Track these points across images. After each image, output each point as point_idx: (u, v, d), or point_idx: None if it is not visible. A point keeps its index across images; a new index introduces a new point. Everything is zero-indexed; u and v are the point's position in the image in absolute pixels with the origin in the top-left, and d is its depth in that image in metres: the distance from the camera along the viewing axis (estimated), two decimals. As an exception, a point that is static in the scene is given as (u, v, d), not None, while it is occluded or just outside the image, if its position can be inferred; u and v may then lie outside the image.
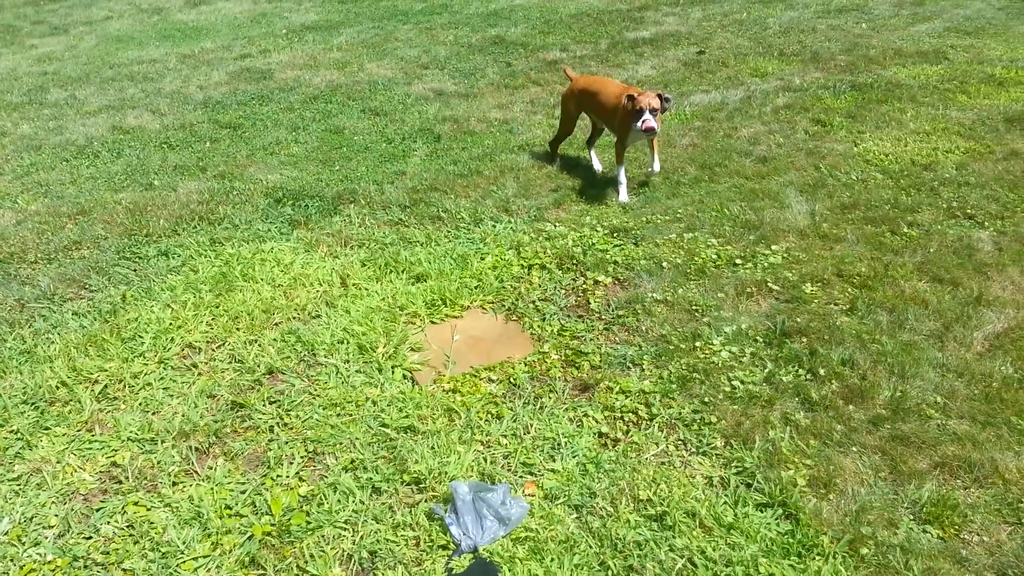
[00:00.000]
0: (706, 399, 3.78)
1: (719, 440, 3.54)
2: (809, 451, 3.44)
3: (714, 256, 4.98)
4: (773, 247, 5.06)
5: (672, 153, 6.70)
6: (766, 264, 4.88)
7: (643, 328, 4.36)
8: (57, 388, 4.02)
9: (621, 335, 4.36)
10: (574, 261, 5.06)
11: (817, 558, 2.94)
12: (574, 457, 3.50)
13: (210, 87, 9.72)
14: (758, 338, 4.21)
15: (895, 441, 3.48)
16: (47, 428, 3.76)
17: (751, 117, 7.49)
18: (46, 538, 3.16)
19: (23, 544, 3.13)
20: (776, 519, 3.14)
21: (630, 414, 3.75)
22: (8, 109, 9.25)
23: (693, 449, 3.52)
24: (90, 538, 3.15)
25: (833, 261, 4.90)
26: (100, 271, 5.19)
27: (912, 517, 3.11)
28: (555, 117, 7.92)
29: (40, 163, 7.35)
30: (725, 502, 3.22)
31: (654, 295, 4.61)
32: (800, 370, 3.96)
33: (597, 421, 3.72)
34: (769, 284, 4.67)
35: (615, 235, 5.34)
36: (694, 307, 4.47)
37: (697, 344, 4.16)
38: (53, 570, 3.02)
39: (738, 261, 4.93)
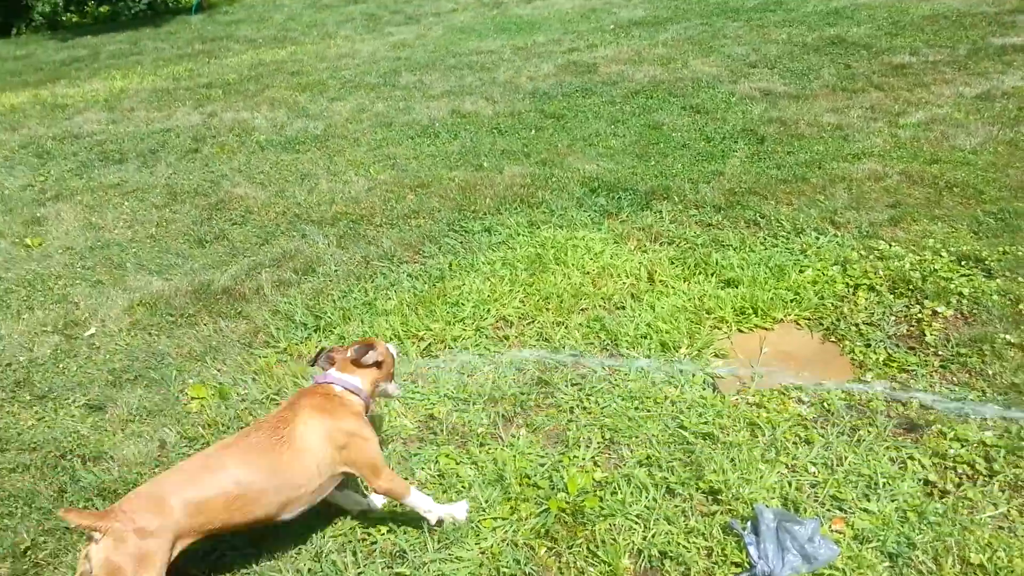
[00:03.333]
0: (1068, 468, 3.19)
1: (1080, 518, 2.97)
2: None
3: (1093, 302, 4.19)
4: None
5: (1044, 176, 5.77)
6: None
7: (989, 372, 3.80)
8: (390, 339, 4.47)
9: (961, 376, 3.84)
10: (910, 286, 4.54)
11: None
12: (893, 501, 3.14)
13: (539, 78, 10.20)
14: None
15: None
16: (379, 373, 4.20)
17: None
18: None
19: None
20: None
21: (965, 466, 3.28)
22: (367, 89, 10.46)
23: (1045, 522, 2.99)
24: (407, 478, 3.46)
25: None
26: (432, 240, 5.68)
27: None
28: (898, 126, 7.21)
29: (390, 138, 8.23)
30: (1084, 593, 2.69)
31: (1007, 336, 3.99)
32: None
33: (924, 467, 3.31)
34: None
35: (963, 263, 4.71)
36: (1061, 358, 3.80)
37: (1061, 401, 3.53)
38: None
39: (1126, 311, 4.10)
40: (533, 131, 8.10)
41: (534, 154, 7.37)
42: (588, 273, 5.05)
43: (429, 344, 4.41)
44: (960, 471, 3.28)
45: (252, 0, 18.66)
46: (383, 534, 3.19)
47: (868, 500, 3.16)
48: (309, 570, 3.07)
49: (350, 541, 3.17)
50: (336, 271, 5.33)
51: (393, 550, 3.12)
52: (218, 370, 4.38)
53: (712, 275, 4.92)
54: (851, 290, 4.61)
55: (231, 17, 16.78)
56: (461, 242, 5.65)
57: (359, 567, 3.06)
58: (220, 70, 12.00)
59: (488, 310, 4.69)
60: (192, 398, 4.17)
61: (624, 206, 6.02)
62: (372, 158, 7.64)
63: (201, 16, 17.51)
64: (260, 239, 5.95)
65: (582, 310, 4.67)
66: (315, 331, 4.65)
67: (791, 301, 4.58)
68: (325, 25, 14.91)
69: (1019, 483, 3.17)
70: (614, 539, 3.07)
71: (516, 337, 4.45)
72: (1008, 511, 3.06)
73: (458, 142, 7.92)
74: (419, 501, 3.06)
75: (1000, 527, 3.00)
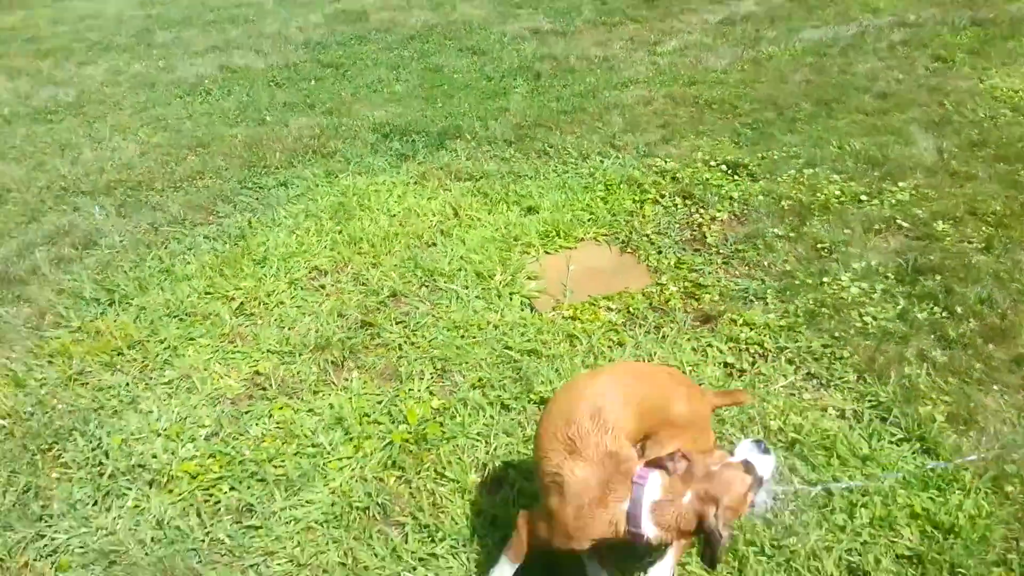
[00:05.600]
0: (836, 334, 3.71)
1: (851, 374, 3.49)
2: (947, 388, 3.36)
3: (837, 192, 4.83)
4: (900, 184, 4.89)
5: (785, 89, 6.50)
6: (893, 201, 4.73)
7: (765, 263, 4.30)
8: (197, 303, 4.22)
9: (742, 269, 4.31)
10: (688, 196, 4.99)
11: (958, 492, 2.89)
12: (700, 384, 3.49)
13: (309, 28, 9.83)
14: (889, 275, 4.10)
15: (1040, 382, 3.37)
16: (192, 339, 3.97)
17: (866, 53, 7.18)
18: (201, 436, 3.36)
19: (181, 440, 3.34)
20: (914, 453, 3.09)
21: (755, 346, 3.71)
22: (119, 50, 9.54)
23: (824, 382, 3.48)
24: (240, 436, 3.34)
25: (965, 199, 4.70)
26: (225, 199, 5.38)
27: (1061, 455, 3.02)
28: (657, 54, 7.76)
29: (155, 99, 7.60)
30: (859, 434, 3.18)
31: (775, 231, 4.52)
32: (935, 308, 3.84)
33: (722, 352, 3.71)
34: (898, 221, 4.52)
35: (730, 170, 5.24)
36: (819, 243, 4.37)
37: (824, 280, 4.07)
38: (209, 461, 3.22)
39: (863, 197, 4.78)
40: (313, 82, 7.82)
41: (318, 104, 7.14)
42: (395, 216, 5.05)
43: (242, 303, 4.22)
44: (753, 351, 3.70)
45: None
46: (225, 492, 3.08)
47: (679, 386, 3.49)
48: (152, 539, 2.91)
49: (191, 504, 3.04)
50: (122, 242, 4.90)
51: (239, 506, 3.03)
52: (7, 358, 3.92)
53: (514, 204, 5.09)
54: (639, 205, 4.98)
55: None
56: (257, 198, 5.40)
57: (206, 527, 2.95)
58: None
59: (299, 262, 4.56)
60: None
61: (419, 148, 6.04)
62: (139, 121, 7.02)
63: None
64: (26, 217, 5.31)
65: (394, 251, 4.67)
66: (110, 305, 4.28)
67: (588, 220, 4.87)
68: (58, -17, 13.26)
69: (802, 354, 3.64)
70: (459, 458, 3.18)
71: (333, 285, 4.37)
72: (795, 380, 3.51)
73: (233, 98, 7.48)
74: None
75: (791, 394, 3.44)
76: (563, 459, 2.31)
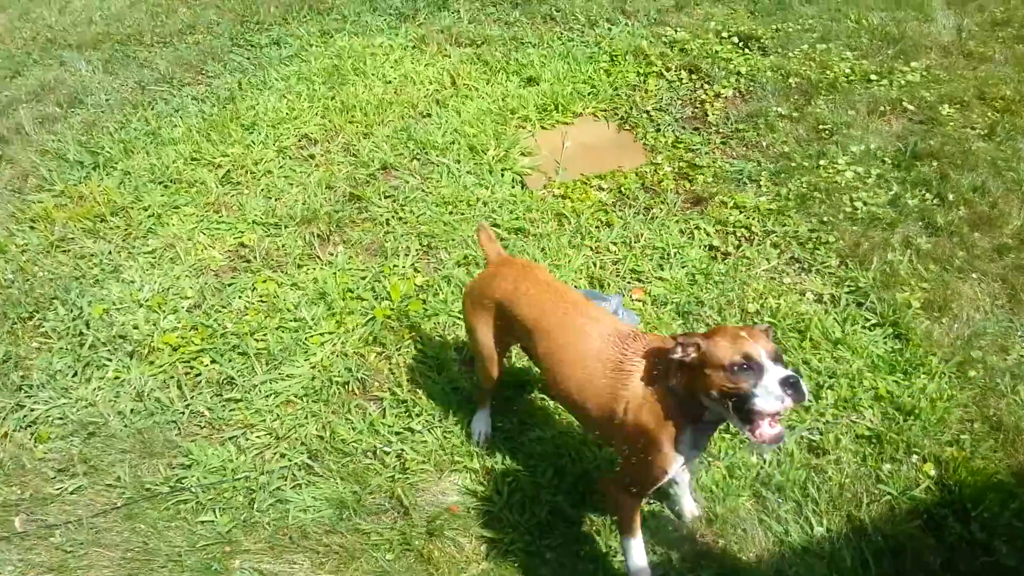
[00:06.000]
0: (825, 218, 3.66)
1: (834, 259, 3.48)
2: (927, 275, 3.36)
3: (847, 71, 4.62)
4: (912, 64, 4.66)
5: (809, -46, 6.08)
6: (903, 82, 4.53)
7: (764, 144, 4.18)
8: (183, 169, 4.19)
9: (739, 150, 4.20)
10: (695, 70, 4.79)
11: (923, 376, 2.95)
12: (683, 267, 3.50)
13: None
14: (887, 159, 3.99)
15: (1018, 271, 3.35)
16: (177, 207, 3.97)
17: (902, -85, 6.66)
18: (183, 307, 3.42)
19: (163, 311, 3.40)
20: (885, 338, 3.14)
21: (743, 229, 3.68)
22: None
23: (805, 267, 3.47)
24: (223, 309, 3.41)
25: (976, 82, 4.50)
26: (215, 57, 5.22)
27: (1028, 346, 3.04)
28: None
29: (145, -56, 7.22)
30: (834, 319, 3.21)
31: (779, 110, 4.37)
32: (927, 194, 3.77)
33: (708, 234, 3.68)
34: (904, 103, 4.35)
35: (742, 43, 5.00)
36: (821, 125, 4.23)
37: (821, 163, 3.97)
38: (190, 333, 3.29)
39: (873, 77, 4.58)
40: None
41: (315, -46, 6.77)
42: (390, 82, 4.90)
43: (228, 171, 4.18)
44: (739, 234, 3.67)
45: None
46: (206, 365, 3.17)
47: (662, 269, 3.50)
48: (132, 410, 3.03)
49: (172, 376, 3.14)
50: (108, 100, 4.82)
51: (220, 378, 3.13)
52: (-13, 223, 3.97)
53: (513, 74, 4.92)
54: (643, 78, 4.79)
55: None
56: (248, 58, 5.23)
57: (186, 399, 3.06)
58: None
59: (288, 129, 4.48)
60: (-36, 258, 3.78)
61: (420, 7, 5.77)
62: (130, -33, 6.71)
63: None
64: (10, 71, 5.20)
65: (388, 121, 4.56)
66: (94, 169, 4.25)
67: (588, 94, 4.71)
68: None
69: (787, 238, 3.61)
70: (440, 336, 3.24)
71: (322, 155, 4.31)
72: (778, 264, 3.50)
73: (226, -56, 7.09)
74: None
75: (772, 278, 3.44)
76: (623, 383, 2.15)
